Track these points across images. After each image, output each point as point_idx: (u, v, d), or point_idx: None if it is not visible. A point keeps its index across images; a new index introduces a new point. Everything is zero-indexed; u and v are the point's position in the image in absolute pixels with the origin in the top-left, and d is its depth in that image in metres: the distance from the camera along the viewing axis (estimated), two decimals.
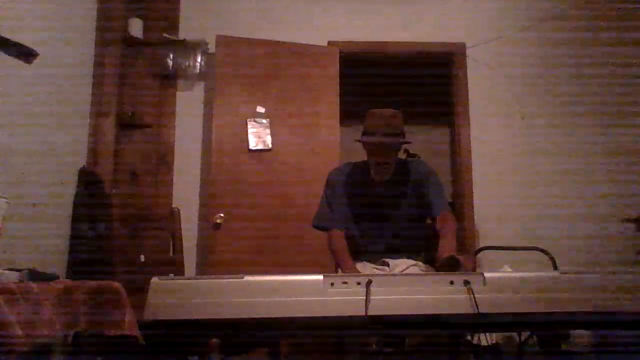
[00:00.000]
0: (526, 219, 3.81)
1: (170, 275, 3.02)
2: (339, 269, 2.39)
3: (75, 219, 3.20)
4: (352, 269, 2.28)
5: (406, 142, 2.43)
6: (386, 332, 1.96)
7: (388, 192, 2.45)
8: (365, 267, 2.38)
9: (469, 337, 3.03)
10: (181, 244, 3.20)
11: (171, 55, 3.86)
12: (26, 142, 2.78)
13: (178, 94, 3.94)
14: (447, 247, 2.21)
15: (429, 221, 2.52)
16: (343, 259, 2.35)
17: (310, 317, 1.42)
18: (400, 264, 2.34)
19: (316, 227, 2.56)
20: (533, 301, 1.44)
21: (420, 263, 2.43)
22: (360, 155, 2.62)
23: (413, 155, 4.51)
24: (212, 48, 3.83)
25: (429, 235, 2.58)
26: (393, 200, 2.45)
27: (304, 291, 1.44)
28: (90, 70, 3.52)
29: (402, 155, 2.63)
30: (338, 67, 3.87)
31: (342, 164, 2.65)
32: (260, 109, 3.73)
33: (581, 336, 3.01)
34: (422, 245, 2.51)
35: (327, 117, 3.81)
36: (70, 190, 3.21)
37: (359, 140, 2.42)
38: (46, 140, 2.96)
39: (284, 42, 3.83)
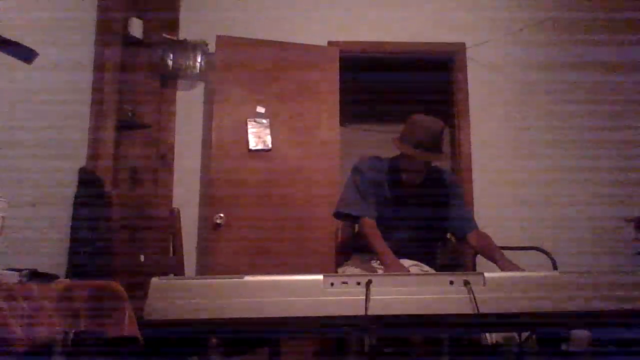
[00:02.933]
0: (526, 219, 3.81)
1: (170, 275, 3.01)
2: (377, 260, 2.32)
3: (75, 219, 3.19)
4: (395, 260, 2.22)
5: (443, 158, 2.42)
6: (386, 332, 1.96)
7: (417, 196, 2.43)
8: (367, 267, 2.37)
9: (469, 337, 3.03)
10: (181, 244, 3.19)
11: (171, 55, 3.85)
12: (26, 142, 2.78)
13: (178, 94, 3.94)
14: (509, 264, 2.17)
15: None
16: (383, 248, 2.25)
17: (310, 317, 1.42)
18: (402, 264, 2.34)
19: (341, 214, 2.46)
20: (533, 301, 1.44)
21: (420, 263, 2.43)
22: (362, 154, 2.61)
23: None
24: (212, 48, 3.83)
25: (435, 240, 2.59)
26: (420, 205, 2.43)
27: (304, 291, 1.44)
28: (90, 70, 3.52)
29: None
30: (338, 67, 3.87)
31: (372, 156, 2.56)
32: (260, 109, 3.73)
33: (581, 336, 3.01)
34: (430, 251, 2.52)
35: (327, 117, 3.81)
36: (70, 190, 3.21)
37: (398, 146, 2.37)
38: (46, 140, 2.96)
39: (284, 42, 3.83)
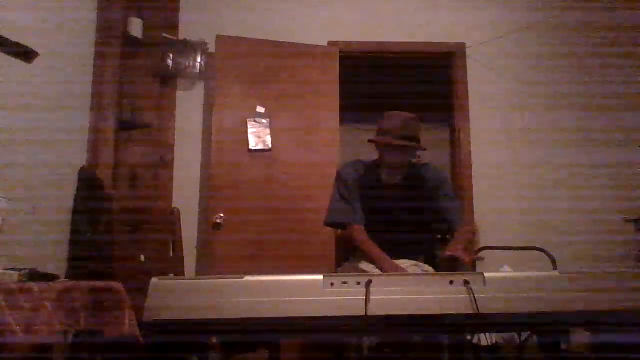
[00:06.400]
0: (526, 219, 3.82)
1: (170, 275, 3.02)
2: (374, 263, 2.31)
3: (75, 219, 3.19)
4: (389, 261, 2.24)
5: (421, 149, 2.42)
6: (386, 332, 1.96)
7: (398, 195, 2.42)
8: (367, 267, 2.37)
9: (469, 337, 3.03)
10: (181, 244, 3.20)
11: (171, 55, 3.85)
12: (26, 142, 2.78)
13: (178, 94, 3.94)
14: (451, 247, 2.21)
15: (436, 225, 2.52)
16: (376, 252, 2.28)
17: (310, 317, 1.42)
18: (401, 264, 2.34)
19: (331, 224, 2.49)
20: (533, 301, 1.44)
21: (420, 263, 2.43)
22: (362, 155, 2.61)
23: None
24: (212, 48, 3.83)
25: (432, 238, 2.58)
26: (403, 204, 2.42)
27: (304, 291, 1.44)
28: (90, 70, 3.52)
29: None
30: (338, 67, 3.87)
31: (352, 161, 2.59)
32: (260, 109, 3.73)
33: (581, 336, 3.00)
34: (424, 248, 2.51)
35: (327, 117, 3.81)
36: (70, 191, 3.21)
37: (372, 141, 2.40)
38: (46, 140, 2.96)
39: (284, 42, 3.83)
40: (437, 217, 2.47)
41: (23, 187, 2.71)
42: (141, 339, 1.95)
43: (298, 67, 3.82)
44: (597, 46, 4.05)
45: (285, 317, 1.41)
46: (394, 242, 2.38)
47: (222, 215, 3.53)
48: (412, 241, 2.42)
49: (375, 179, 2.46)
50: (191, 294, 1.43)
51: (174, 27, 3.95)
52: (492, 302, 1.42)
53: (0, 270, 1.92)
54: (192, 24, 3.96)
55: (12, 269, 1.96)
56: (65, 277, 2.86)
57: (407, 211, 2.42)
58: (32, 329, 1.71)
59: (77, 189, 3.25)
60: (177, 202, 3.72)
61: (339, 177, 2.50)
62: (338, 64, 3.88)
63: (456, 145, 4.06)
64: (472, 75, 4.04)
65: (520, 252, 3.49)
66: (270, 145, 3.70)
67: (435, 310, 1.43)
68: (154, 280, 1.44)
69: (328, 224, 2.50)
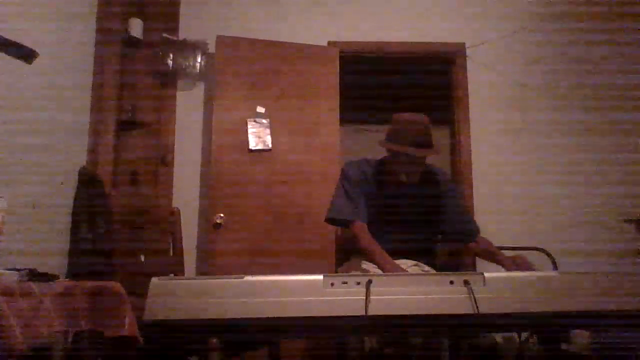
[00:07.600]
0: (526, 219, 3.81)
1: (170, 275, 3.01)
2: (374, 263, 2.28)
3: (75, 219, 3.20)
4: (391, 261, 2.21)
5: (437, 153, 2.38)
6: (386, 332, 1.96)
7: (416, 195, 2.41)
8: (368, 267, 2.37)
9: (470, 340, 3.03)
10: (181, 244, 3.19)
11: (171, 55, 3.85)
12: (26, 142, 2.78)
13: (178, 94, 3.94)
14: (511, 263, 2.20)
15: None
16: (377, 250, 2.25)
17: (310, 317, 1.42)
18: (401, 264, 2.33)
19: (333, 220, 2.44)
20: (533, 301, 1.43)
21: (421, 263, 2.42)
22: (362, 155, 2.60)
23: None
24: (212, 48, 3.83)
25: (434, 239, 2.58)
26: (415, 205, 2.40)
27: (304, 291, 1.44)
28: (90, 70, 3.52)
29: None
30: (338, 67, 3.87)
31: (357, 159, 2.54)
32: (260, 109, 3.73)
33: (581, 336, 3.01)
34: (428, 249, 2.51)
35: (327, 117, 3.81)
36: (70, 190, 3.21)
37: (390, 149, 2.37)
38: (46, 140, 2.96)
39: (284, 42, 3.83)
40: (452, 227, 2.45)
41: (23, 187, 2.71)
42: (141, 339, 1.95)
43: (298, 67, 3.82)
44: (597, 46, 4.05)
45: (285, 317, 1.41)
46: (400, 242, 2.37)
47: (222, 215, 3.54)
48: (418, 241, 2.41)
49: (385, 178, 2.44)
50: (191, 294, 1.43)
51: (174, 27, 3.95)
52: (492, 302, 1.42)
53: (0, 270, 1.92)
54: (192, 24, 3.96)
55: (12, 269, 1.96)
56: (65, 277, 2.86)
57: (421, 211, 2.41)
58: (32, 329, 1.71)
59: (77, 189, 3.25)
60: (177, 202, 3.72)
61: (344, 174, 2.47)
62: (338, 64, 3.88)
63: (456, 146, 4.05)
64: (472, 75, 4.04)
65: (520, 252, 3.49)
66: (270, 145, 3.70)
67: (435, 310, 1.43)
68: (154, 280, 1.44)
69: (329, 219, 2.46)
